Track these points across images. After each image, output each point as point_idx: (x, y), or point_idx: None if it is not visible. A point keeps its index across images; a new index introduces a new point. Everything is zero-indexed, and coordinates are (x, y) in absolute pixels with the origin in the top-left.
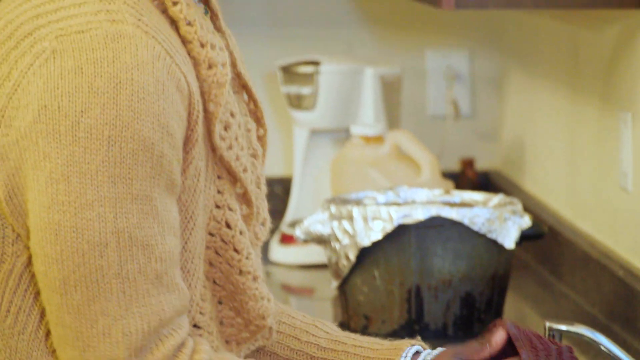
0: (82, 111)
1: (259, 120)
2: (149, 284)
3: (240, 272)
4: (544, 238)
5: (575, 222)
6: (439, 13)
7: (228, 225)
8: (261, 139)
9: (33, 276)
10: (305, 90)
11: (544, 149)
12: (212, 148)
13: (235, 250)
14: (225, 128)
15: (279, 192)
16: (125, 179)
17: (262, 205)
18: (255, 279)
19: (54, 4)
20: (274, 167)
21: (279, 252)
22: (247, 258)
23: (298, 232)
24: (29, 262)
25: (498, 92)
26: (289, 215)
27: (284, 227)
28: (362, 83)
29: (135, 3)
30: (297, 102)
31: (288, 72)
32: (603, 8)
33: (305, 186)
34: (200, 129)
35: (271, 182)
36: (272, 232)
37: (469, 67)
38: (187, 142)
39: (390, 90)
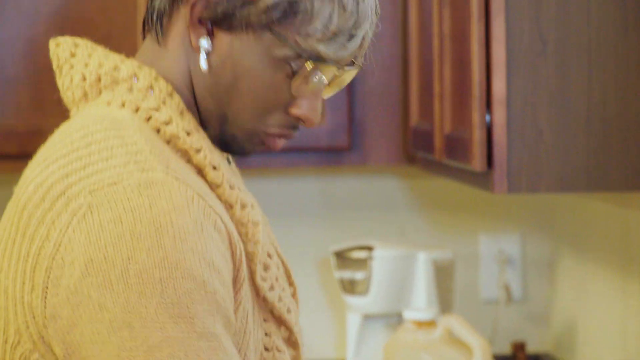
0: (128, 258)
1: (288, 280)
2: None
3: None
4: None
5: None
6: (492, 197)
7: None
8: (293, 296)
9: None
10: (359, 275)
11: (595, 332)
12: (256, 289)
13: None
14: (265, 268)
15: None
16: (186, 318)
17: None
18: None
19: (81, 161)
20: (326, 352)
21: None
22: None
23: None
24: None
25: (549, 275)
26: None
27: None
28: (415, 268)
29: (160, 152)
30: (350, 287)
31: (341, 258)
32: None
33: None
34: (245, 268)
35: None
36: None
37: (521, 251)
38: (235, 282)
39: (442, 275)
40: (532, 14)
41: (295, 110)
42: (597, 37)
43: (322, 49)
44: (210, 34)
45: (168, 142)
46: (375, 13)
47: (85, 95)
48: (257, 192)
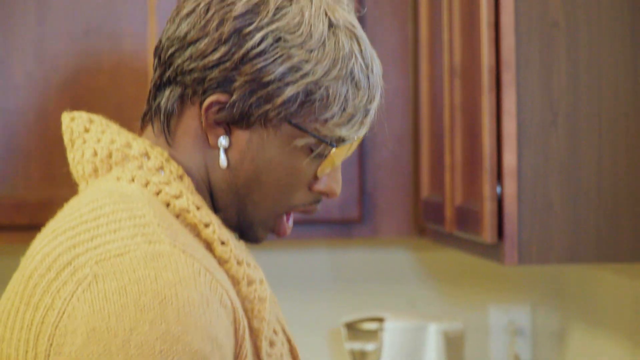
0: (131, 329)
1: (292, 355)
2: None
3: None
4: None
5: None
6: (501, 268)
7: None
8: None
9: None
10: (370, 346)
11: None
12: None
13: None
14: (271, 344)
15: None
16: None
17: None
18: None
19: (89, 233)
20: None
21: None
22: None
23: None
24: None
25: (559, 346)
26: None
27: None
28: (426, 339)
29: (169, 226)
30: (361, 358)
31: (352, 329)
32: None
33: None
34: (248, 345)
35: None
36: None
37: (531, 322)
38: (237, 358)
39: (453, 346)
40: (543, 85)
41: (320, 187)
42: (607, 109)
43: (343, 132)
44: (228, 132)
45: (177, 216)
46: (382, 77)
47: (95, 170)
48: (268, 264)
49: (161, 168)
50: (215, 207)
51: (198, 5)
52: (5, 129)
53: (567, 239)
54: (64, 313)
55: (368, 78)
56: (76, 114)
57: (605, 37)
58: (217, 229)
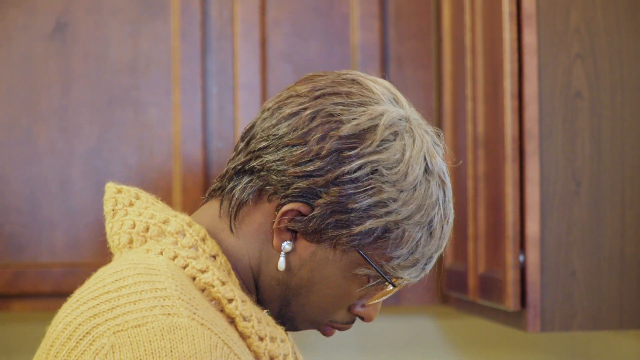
0: None
1: None
2: None
3: None
4: None
5: None
6: (525, 336)
7: None
8: None
9: None
10: None
11: None
12: None
13: None
14: None
15: None
16: None
17: None
18: None
19: (109, 303)
20: None
21: None
22: None
23: None
24: None
25: None
26: None
27: None
28: None
29: (190, 299)
30: None
31: None
32: None
33: None
34: None
35: None
36: None
37: None
38: None
39: None
40: (566, 154)
41: (359, 310)
42: (630, 178)
43: (405, 275)
44: (293, 238)
45: (203, 290)
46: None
47: (130, 241)
48: (292, 335)
49: (194, 247)
50: (258, 297)
51: (303, 109)
52: (29, 198)
53: (589, 306)
54: None
55: (443, 228)
56: (124, 187)
57: (628, 107)
58: (239, 305)
